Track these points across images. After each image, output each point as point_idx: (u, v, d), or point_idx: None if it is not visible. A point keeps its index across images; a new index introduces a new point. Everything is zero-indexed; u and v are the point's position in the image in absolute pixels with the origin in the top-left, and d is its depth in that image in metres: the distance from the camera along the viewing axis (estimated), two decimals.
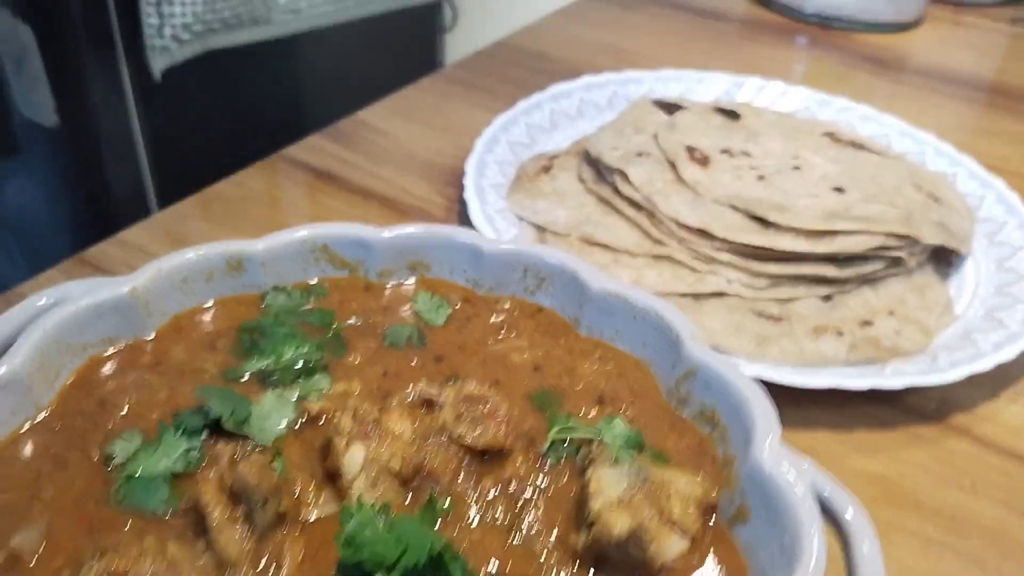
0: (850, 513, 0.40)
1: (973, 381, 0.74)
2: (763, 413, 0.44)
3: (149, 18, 1.64)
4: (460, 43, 2.61)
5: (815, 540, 0.38)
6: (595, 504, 0.42)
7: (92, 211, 1.92)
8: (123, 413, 0.47)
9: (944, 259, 0.86)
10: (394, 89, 1.14)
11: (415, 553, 0.36)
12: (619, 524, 0.41)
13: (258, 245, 0.54)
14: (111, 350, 0.50)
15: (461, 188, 0.87)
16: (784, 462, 0.42)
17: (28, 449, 0.44)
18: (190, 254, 0.53)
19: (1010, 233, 0.88)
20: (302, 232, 0.55)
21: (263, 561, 0.40)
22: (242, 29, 1.88)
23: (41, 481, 0.43)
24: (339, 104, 1.17)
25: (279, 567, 0.40)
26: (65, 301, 0.48)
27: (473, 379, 0.48)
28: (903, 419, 0.71)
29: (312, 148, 1.00)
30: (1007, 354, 0.70)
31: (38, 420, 0.46)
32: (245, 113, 2.09)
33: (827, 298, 0.77)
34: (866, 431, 0.69)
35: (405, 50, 2.49)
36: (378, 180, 0.95)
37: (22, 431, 0.45)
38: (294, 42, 2.08)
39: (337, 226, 0.56)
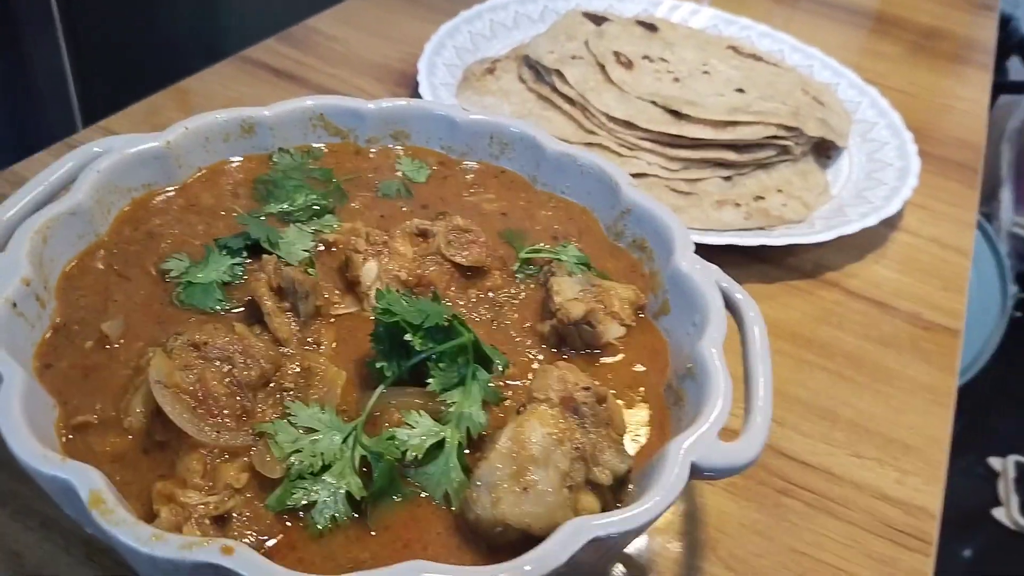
0: (742, 298, 0.55)
1: (842, 245, 0.91)
2: (681, 235, 0.59)
3: None
4: None
5: (719, 313, 0.53)
6: (557, 299, 0.55)
7: (16, 130, 1.91)
8: (169, 242, 0.57)
9: (824, 151, 1.02)
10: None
11: (435, 317, 0.48)
12: (576, 309, 0.54)
13: (266, 112, 0.64)
14: (150, 193, 0.60)
15: (412, 88, 0.97)
16: (696, 265, 0.56)
17: (97, 264, 0.54)
18: (210, 116, 0.62)
19: (880, 132, 1.05)
20: (304, 102, 0.66)
21: (308, 342, 0.52)
22: None
23: (111, 288, 0.53)
24: (256, 34, 1.15)
25: (318, 346, 0.52)
26: (112, 150, 0.57)
27: (458, 215, 0.60)
28: (786, 275, 0.87)
29: (269, 50, 1.08)
30: (869, 221, 0.87)
31: (99, 245, 0.56)
32: (170, 38, 2.09)
33: (728, 179, 0.92)
34: (757, 283, 0.85)
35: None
36: (335, 80, 1.05)
37: (89, 252, 0.55)
38: None
39: (333, 98, 0.67)
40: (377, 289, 0.52)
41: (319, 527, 0.43)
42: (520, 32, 1.15)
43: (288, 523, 0.43)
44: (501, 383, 0.51)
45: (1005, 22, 1.74)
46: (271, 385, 0.49)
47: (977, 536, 1.78)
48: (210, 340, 0.48)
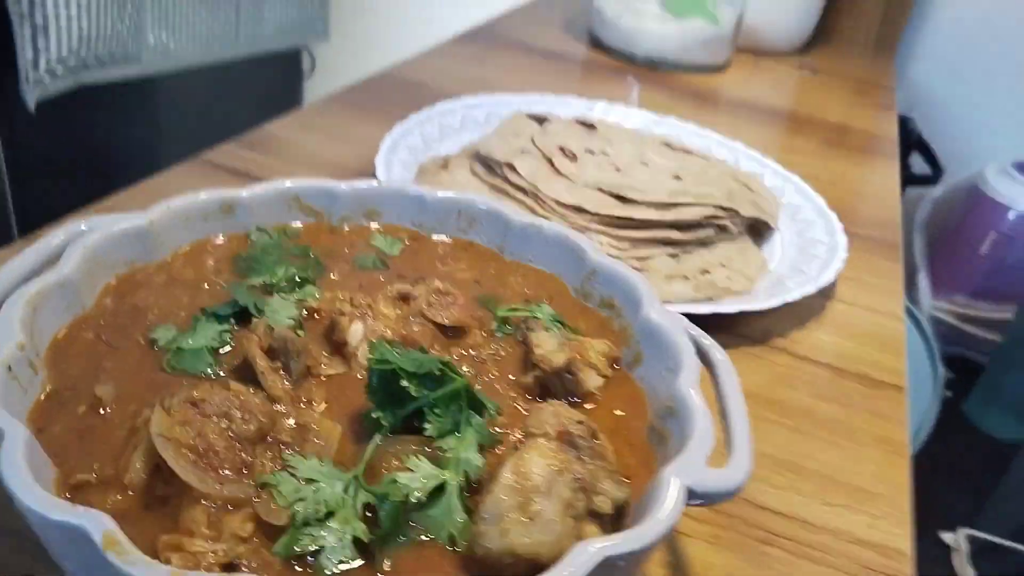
0: (709, 343, 0.59)
1: (786, 315, 0.97)
2: (647, 289, 0.63)
3: (25, 51, 1.67)
4: (318, 88, 2.75)
5: (692, 356, 0.56)
6: (538, 351, 0.58)
7: None
8: (155, 312, 0.58)
9: (758, 233, 1.10)
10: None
11: (428, 364, 0.50)
12: (558, 358, 0.57)
13: (244, 193, 0.67)
14: (133, 269, 0.61)
15: None
16: (665, 315, 0.60)
17: (86, 335, 0.55)
18: (192, 197, 0.65)
19: (806, 213, 1.14)
20: (282, 184, 0.69)
21: (300, 400, 0.53)
22: (114, 66, 1.93)
23: (100, 357, 0.53)
24: (202, 143, 1.19)
25: (311, 403, 0.53)
26: (98, 228, 0.59)
27: (436, 279, 0.63)
28: (738, 342, 0.92)
29: (227, 153, 1.11)
30: (809, 289, 0.93)
31: (86, 317, 0.56)
32: (109, 147, 2.12)
33: (674, 256, 0.97)
34: None
35: (268, 93, 2.60)
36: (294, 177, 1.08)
37: (76, 323, 0.55)
38: (162, 81, 2.15)
39: (308, 180, 0.70)
40: (370, 341, 0.54)
41: (327, 572, 0.43)
42: (467, 133, 1.22)
43: (297, 568, 0.43)
44: (494, 429, 0.53)
45: (903, 122, 1.92)
46: (269, 440, 0.49)
47: None
48: (207, 397, 0.48)
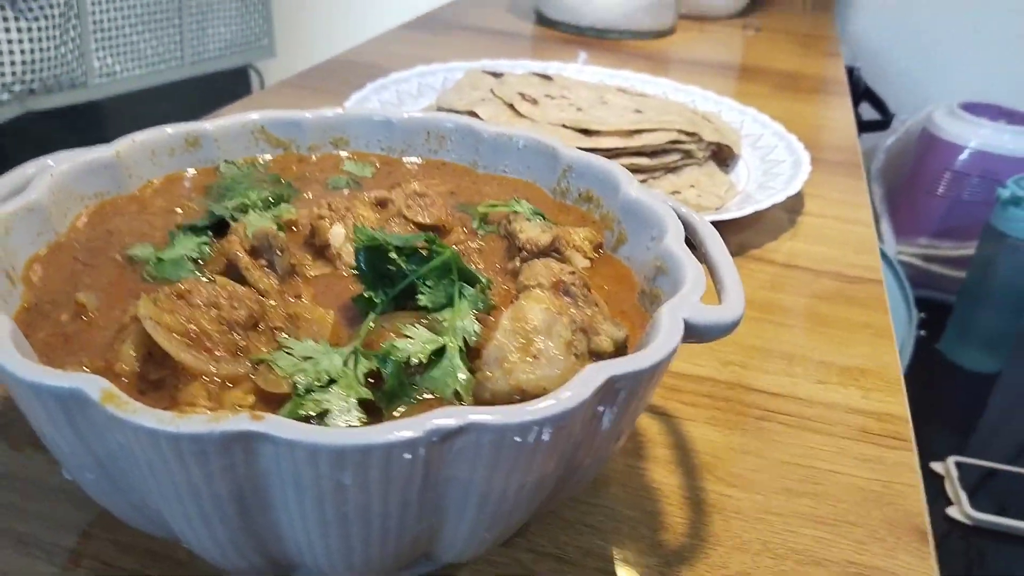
0: (687, 211, 0.59)
1: (760, 228, 0.98)
2: (623, 173, 0.63)
3: None
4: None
5: (675, 219, 0.56)
6: (522, 235, 0.58)
7: None
8: (130, 237, 0.57)
9: (723, 160, 1.11)
10: None
11: (414, 240, 0.50)
12: (543, 238, 0.57)
13: (209, 126, 0.66)
14: (103, 202, 0.60)
15: None
16: (644, 191, 0.60)
17: (61, 257, 0.53)
18: (158, 130, 0.64)
19: (767, 139, 1.15)
20: (246, 116, 0.68)
21: (288, 296, 0.52)
22: (60, 92, 1.91)
23: (78, 275, 0.52)
24: None
25: (299, 298, 0.52)
26: (64, 160, 0.58)
27: (415, 183, 0.63)
28: None
29: None
30: (778, 198, 0.95)
31: (59, 243, 0.55)
32: None
33: (643, 182, 0.98)
34: None
35: (217, 113, 2.58)
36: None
37: (51, 248, 0.54)
38: (110, 104, 2.12)
39: (273, 111, 0.69)
40: (355, 225, 0.53)
41: None
42: (424, 99, 1.22)
43: None
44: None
45: (849, 72, 1.96)
46: (260, 327, 0.48)
47: (938, 536, 1.81)
48: (194, 289, 0.47)
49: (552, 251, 0.57)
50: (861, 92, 2.27)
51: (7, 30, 1.70)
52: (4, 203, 0.52)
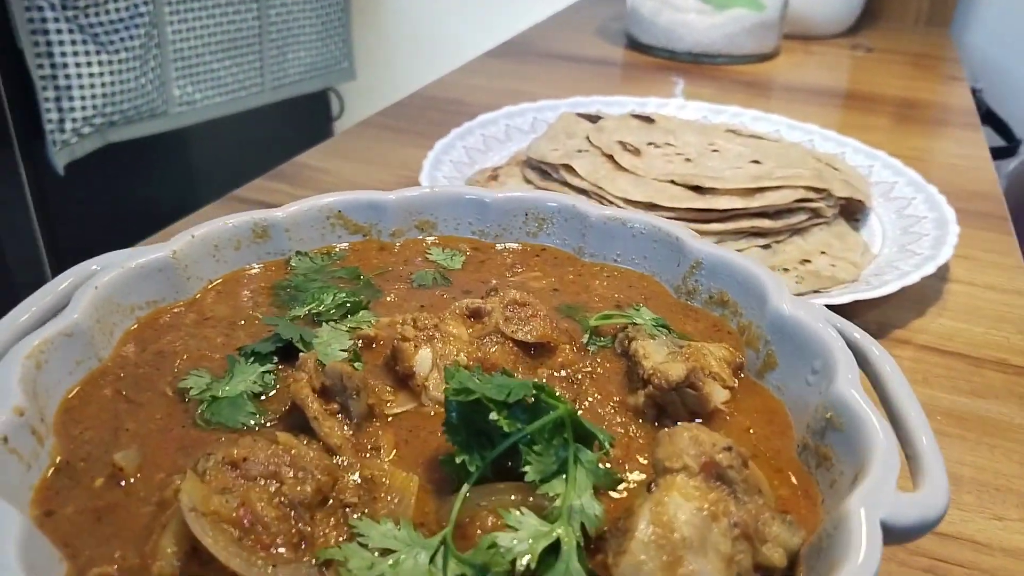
0: (860, 336, 0.47)
1: (901, 302, 0.84)
2: (770, 278, 0.51)
3: (49, 113, 1.63)
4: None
5: (846, 352, 0.45)
6: (647, 364, 0.47)
7: None
8: (184, 358, 0.48)
9: (851, 215, 0.98)
10: None
11: (520, 390, 0.39)
12: (675, 371, 0.46)
13: (279, 213, 0.58)
14: (157, 311, 0.52)
15: None
16: (799, 306, 0.49)
17: (103, 391, 0.45)
18: (219, 222, 0.55)
19: (901, 189, 1.01)
20: (320, 200, 0.59)
21: (365, 448, 0.43)
22: (141, 122, 1.89)
23: (121, 417, 0.44)
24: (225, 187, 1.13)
25: (378, 452, 0.43)
26: (111, 266, 0.50)
27: (512, 289, 0.53)
28: None
29: (260, 188, 1.03)
30: (928, 269, 0.81)
31: (103, 371, 0.47)
32: (141, 200, 2.07)
33: (766, 247, 0.86)
34: None
35: (297, 138, 2.55)
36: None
37: (91, 379, 0.46)
38: (190, 132, 2.10)
39: (349, 193, 0.60)
40: (445, 367, 0.43)
41: None
42: (513, 144, 1.12)
43: None
44: (606, 466, 0.42)
45: (972, 93, 1.78)
46: (330, 503, 0.39)
47: None
48: (250, 455, 0.38)
49: (686, 387, 0.46)
50: (983, 115, 2.07)
51: (89, 64, 1.69)
52: (39, 328, 0.44)
